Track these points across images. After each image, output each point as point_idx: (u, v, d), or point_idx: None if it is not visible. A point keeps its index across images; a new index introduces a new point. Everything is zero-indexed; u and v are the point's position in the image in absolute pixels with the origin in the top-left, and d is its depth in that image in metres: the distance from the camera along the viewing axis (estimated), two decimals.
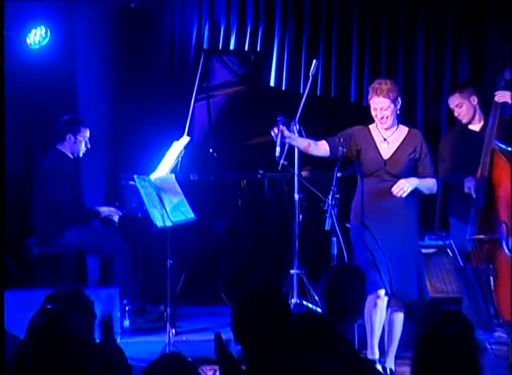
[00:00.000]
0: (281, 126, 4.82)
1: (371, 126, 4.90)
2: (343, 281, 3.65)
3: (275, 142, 4.85)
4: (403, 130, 4.82)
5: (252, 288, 3.47)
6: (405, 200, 4.72)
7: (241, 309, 2.94)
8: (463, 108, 5.29)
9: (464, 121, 5.39)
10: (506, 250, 5.05)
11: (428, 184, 4.80)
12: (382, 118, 4.74)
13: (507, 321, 5.22)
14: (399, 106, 4.77)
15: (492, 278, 5.11)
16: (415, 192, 4.74)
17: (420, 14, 6.59)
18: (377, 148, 4.80)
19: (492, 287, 5.15)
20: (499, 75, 5.43)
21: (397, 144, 4.77)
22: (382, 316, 4.77)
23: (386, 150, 4.77)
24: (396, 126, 4.81)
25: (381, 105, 4.72)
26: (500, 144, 5.20)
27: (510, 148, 5.22)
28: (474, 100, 5.33)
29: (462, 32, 6.64)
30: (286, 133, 4.85)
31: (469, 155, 5.37)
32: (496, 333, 5.26)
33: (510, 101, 5.23)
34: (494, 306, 5.19)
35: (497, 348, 5.12)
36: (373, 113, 4.90)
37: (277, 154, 4.88)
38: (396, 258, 4.70)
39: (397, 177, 4.72)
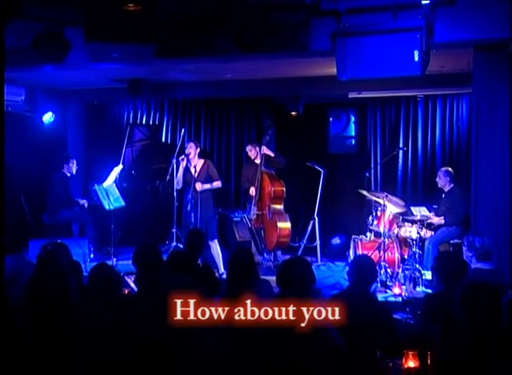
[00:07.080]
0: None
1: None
2: (194, 239, 4.80)
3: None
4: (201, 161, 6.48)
5: (142, 243, 4.13)
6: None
7: (136, 253, 3.80)
8: (252, 152, 7.20)
9: (253, 158, 7.20)
10: (268, 218, 7.14)
11: (215, 185, 6.52)
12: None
13: (269, 250, 7.19)
14: (197, 151, 6.43)
15: (262, 231, 7.18)
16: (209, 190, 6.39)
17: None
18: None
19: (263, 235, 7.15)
20: (265, 133, 7.24)
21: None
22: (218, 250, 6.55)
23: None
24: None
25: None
26: (265, 168, 7.21)
27: (269, 170, 7.16)
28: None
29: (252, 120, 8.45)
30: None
31: (253, 174, 7.19)
32: (266, 256, 7.13)
33: (266, 152, 7.12)
34: (264, 244, 7.15)
35: (267, 256, 7.09)
36: None
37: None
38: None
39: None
